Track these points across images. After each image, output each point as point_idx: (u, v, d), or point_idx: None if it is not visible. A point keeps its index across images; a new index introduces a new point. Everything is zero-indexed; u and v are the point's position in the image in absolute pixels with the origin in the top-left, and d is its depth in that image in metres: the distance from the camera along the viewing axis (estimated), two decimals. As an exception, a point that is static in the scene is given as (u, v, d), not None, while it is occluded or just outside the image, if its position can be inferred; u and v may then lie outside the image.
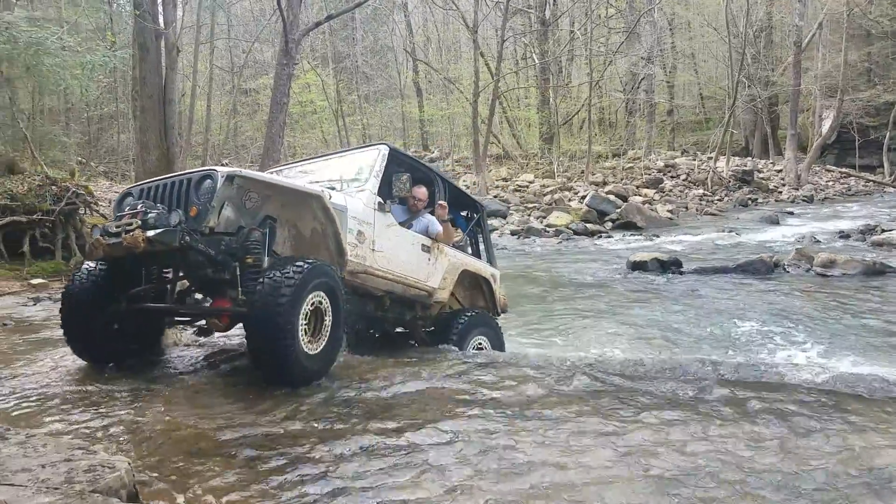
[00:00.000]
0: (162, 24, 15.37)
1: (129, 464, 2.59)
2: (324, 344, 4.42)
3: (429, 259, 5.97)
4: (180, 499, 2.81)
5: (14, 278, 9.44)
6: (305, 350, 4.23)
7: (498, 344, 6.59)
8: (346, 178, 5.64)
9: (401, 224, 5.88)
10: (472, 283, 6.89)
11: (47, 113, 22.70)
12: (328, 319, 4.45)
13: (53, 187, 11.06)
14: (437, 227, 6.04)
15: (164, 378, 4.76)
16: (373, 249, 5.27)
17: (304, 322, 4.22)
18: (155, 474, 3.04)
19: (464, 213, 7.44)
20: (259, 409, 3.99)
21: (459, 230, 7.37)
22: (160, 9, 15.77)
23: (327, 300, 4.42)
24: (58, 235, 10.90)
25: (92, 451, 2.72)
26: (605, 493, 2.89)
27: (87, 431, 3.59)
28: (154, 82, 14.63)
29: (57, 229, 10.89)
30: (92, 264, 4.79)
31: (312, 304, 4.29)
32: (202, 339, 5.54)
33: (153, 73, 14.66)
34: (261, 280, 4.15)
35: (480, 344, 6.33)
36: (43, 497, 2.25)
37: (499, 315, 7.05)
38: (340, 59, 41.47)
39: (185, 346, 5.65)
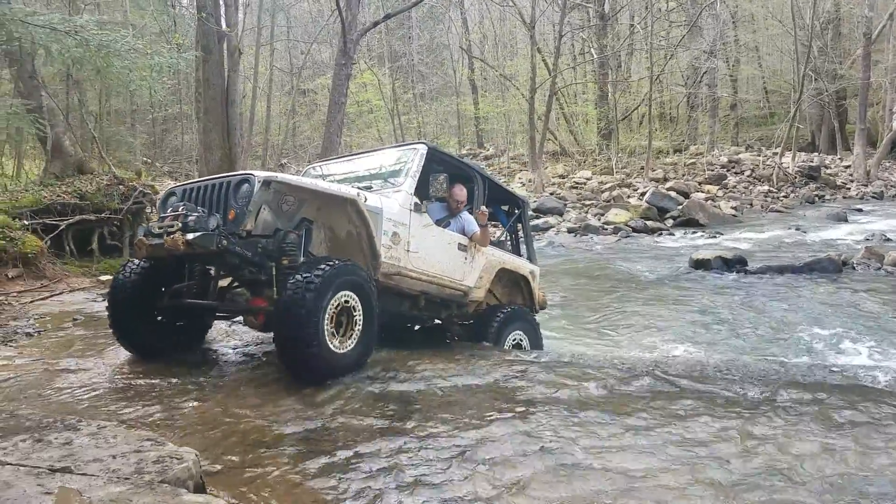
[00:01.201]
0: (224, 27, 15.68)
1: (196, 455, 2.63)
2: (354, 342, 4.49)
3: (465, 258, 5.95)
4: (245, 490, 2.85)
5: (84, 275, 9.74)
6: (332, 348, 4.30)
7: (536, 340, 6.54)
8: (383, 176, 5.70)
9: (439, 221, 5.89)
10: (510, 280, 6.83)
11: (114, 115, 23.40)
12: (358, 318, 4.51)
13: (121, 187, 11.38)
14: (475, 228, 6.01)
15: (224, 371, 4.87)
16: (408, 251, 5.28)
17: (330, 321, 4.29)
18: (219, 466, 3.09)
19: (505, 208, 7.39)
20: (317, 402, 4.04)
21: (500, 226, 7.34)
22: (223, 11, 16.09)
23: (357, 299, 4.48)
24: (125, 233, 11.21)
25: (160, 443, 2.77)
26: (669, 499, 2.81)
27: (154, 423, 3.68)
28: (217, 84, 14.92)
29: (124, 227, 11.20)
30: (136, 261, 5.00)
31: (339, 303, 4.35)
32: (258, 334, 5.69)
33: (216, 75, 14.94)
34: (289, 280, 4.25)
35: (518, 340, 6.30)
36: (113, 487, 2.30)
37: (537, 312, 6.98)
38: (396, 57, 41.70)
39: (240, 340, 5.76)
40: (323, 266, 4.29)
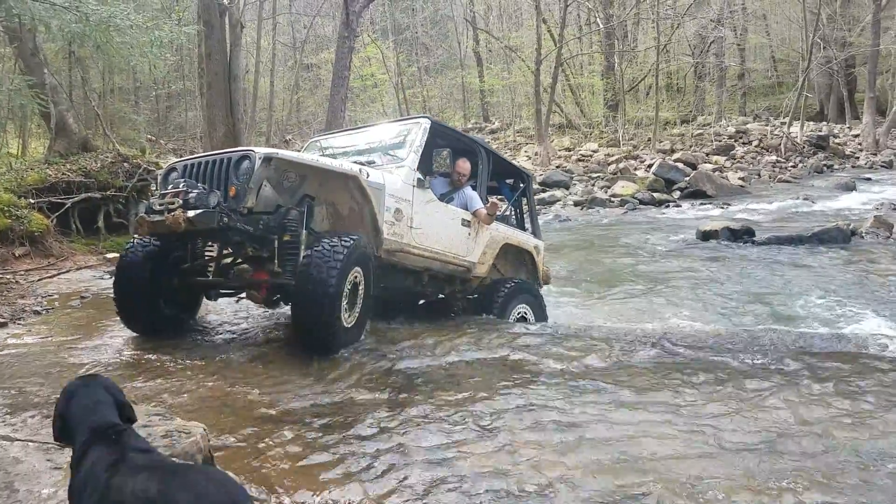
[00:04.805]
0: (226, 0, 15.52)
1: (204, 429, 2.64)
2: (357, 315, 4.54)
3: (469, 234, 5.91)
4: (254, 464, 2.86)
5: (90, 252, 9.77)
6: (344, 323, 4.36)
7: (540, 312, 6.53)
8: (387, 151, 5.65)
9: (442, 196, 5.85)
10: (514, 255, 6.82)
11: (117, 92, 23.33)
12: (361, 292, 4.56)
13: (125, 164, 11.38)
14: (478, 204, 5.96)
15: (231, 348, 4.88)
16: (411, 227, 5.25)
17: (346, 297, 4.35)
18: (228, 440, 3.10)
19: (510, 182, 7.33)
20: (323, 378, 4.06)
21: (504, 200, 7.30)
22: (224, -15, 15.90)
23: (362, 274, 4.52)
24: (130, 211, 11.21)
25: (168, 417, 2.78)
26: (673, 466, 2.82)
27: (162, 399, 3.69)
28: (219, 59, 14.80)
29: (130, 205, 11.20)
30: (142, 239, 4.96)
31: (353, 279, 4.40)
32: (265, 310, 5.70)
33: (218, 50, 14.81)
34: (308, 251, 4.28)
35: (523, 313, 6.28)
36: (122, 461, 2.31)
37: (541, 287, 6.97)
38: (400, 30, 41.32)
39: (242, 317, 5.78)
40: (343, 242, 4.31)
